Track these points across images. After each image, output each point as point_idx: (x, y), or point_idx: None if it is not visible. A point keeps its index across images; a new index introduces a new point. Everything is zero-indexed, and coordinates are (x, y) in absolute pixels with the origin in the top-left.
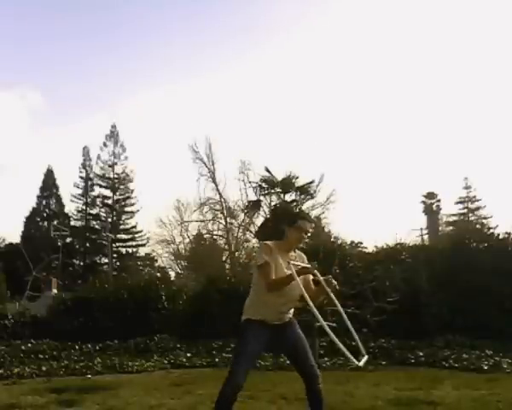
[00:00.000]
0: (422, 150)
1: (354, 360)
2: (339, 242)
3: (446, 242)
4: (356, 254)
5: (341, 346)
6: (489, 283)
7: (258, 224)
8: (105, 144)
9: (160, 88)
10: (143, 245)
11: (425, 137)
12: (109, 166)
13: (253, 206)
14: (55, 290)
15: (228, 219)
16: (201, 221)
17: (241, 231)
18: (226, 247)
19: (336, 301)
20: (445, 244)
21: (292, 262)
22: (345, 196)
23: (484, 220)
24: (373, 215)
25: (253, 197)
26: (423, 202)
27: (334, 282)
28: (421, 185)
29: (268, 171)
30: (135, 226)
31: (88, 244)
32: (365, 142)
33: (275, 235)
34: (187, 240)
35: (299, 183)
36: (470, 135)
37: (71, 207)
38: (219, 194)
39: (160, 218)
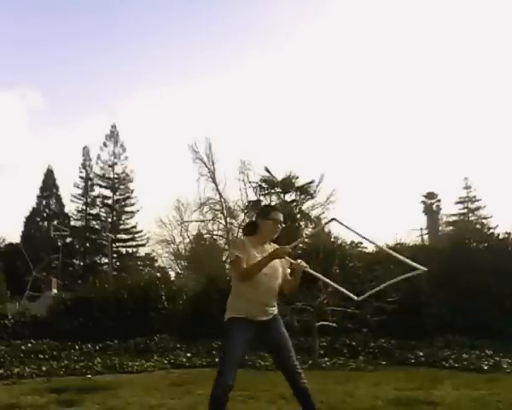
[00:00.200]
0: (422, 150)
1: (352, 295)
2: (339, 242)
3: (446, 242)
4: (356, 254)
5: (337, 286)
6: (489, 283)
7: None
8: (105, 144)
9: (160, 88)
10: (143, 245)
11: (425, 138)
12: (109, 166)
13: (253, 206)
14: (55, 290)
15: (228, 219)
16: (201, 221)
17: (241, 231)
18: (226, 247)
19: (316, 274)
20: (445, 244)
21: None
22: (345, 196)
23: (484, 220)
24: (373, 215)
25: (253, 197)
26: (423, 202)
27: (304, 264)
28: (421, 185)
29: (268, 171)
30: (135, 226)
31: (88, 244)
32: (365, 142)
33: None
34: (187, 240)
35: (299, 183)
36: (470, 135)
37: (71, 207)
38: (219, 194)
39: (160, 218)
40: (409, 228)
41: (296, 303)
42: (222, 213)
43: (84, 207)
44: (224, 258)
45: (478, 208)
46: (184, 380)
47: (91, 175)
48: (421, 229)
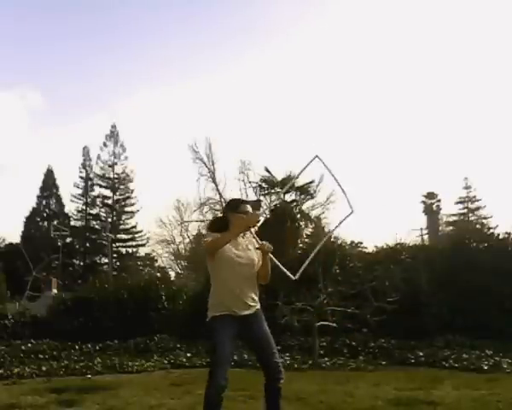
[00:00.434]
0: (422, 150)
1: (289, 274)
2: (339, 242)
3: (446, 242)
4: (356, 254)
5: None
6: (489, 283)
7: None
8: (105, 144)
9: (160, 88)
10: (143, 245)
11: (425, 138)
12: (109, 166)
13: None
14: (55, 290)
15: None
16: (201, 221)
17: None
18: None
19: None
20: (445, 244)
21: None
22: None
23: (484, 220)
24: (373, 215)
25: (253, 197)
26: (423, 202)
27: (270, 246)
28: (421, 185)
29: (268, 171)
30: (135, 226)
31: (88, 244)
32: (365, 142)
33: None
34: (187, 240)
35: (299, 183)
36: (470, 135)
37: (71, 207)
38: (219, 194)
39: (160, 218)
40: (409, 228)
41: (296, 303)
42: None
43: (84, 207)
44: None
45: (478, 208)
46: (184, 380)
47: (91, 175)
48: (421, 229)
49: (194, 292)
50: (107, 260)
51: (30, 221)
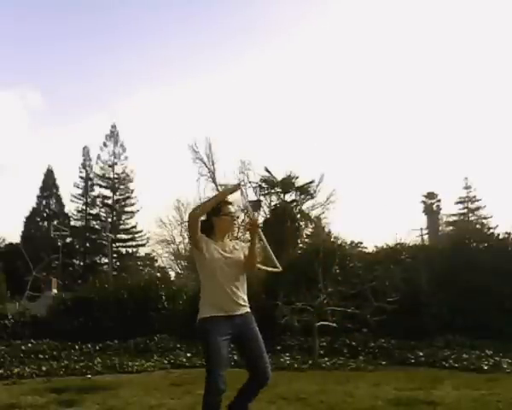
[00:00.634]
0: (422, 150)
1: (277, 264)
2: (339, 242)
3: (446, 242)
4: (356, 254)
5: (271, 253)
6: (489, 283)
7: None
8: (105, 144)
9: (160, 88)
10: (143, 245)
11: (425, 138)
12: (109, 166)
13: (254, 206)
14: (55, 290)
15: None
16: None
17: (241, 231)
18: None
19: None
20: (445, 244)
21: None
22: (345, 196)
23: (484, 220)
24: (373, 215)
25: (253, 197)
26: (423, 202)
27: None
28: (421, 185)
29: (268, 171)
30: (135, 226)
31: (88, 244)
32: (365, 142)
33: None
34: (187, 240)
35: (299, 183)
36: (470, 135)
37: (71, 207)
38: None
39: (160, 218)
40: (409, 228)
41: (296, 303)
42: None
43: (84, 207)
44: None
45: (478, 208)
46: (184, 380)
47: (91, 175)
48: (421, 229)
49: (194, 292)
50: (107, 260)
51: (30, 221)
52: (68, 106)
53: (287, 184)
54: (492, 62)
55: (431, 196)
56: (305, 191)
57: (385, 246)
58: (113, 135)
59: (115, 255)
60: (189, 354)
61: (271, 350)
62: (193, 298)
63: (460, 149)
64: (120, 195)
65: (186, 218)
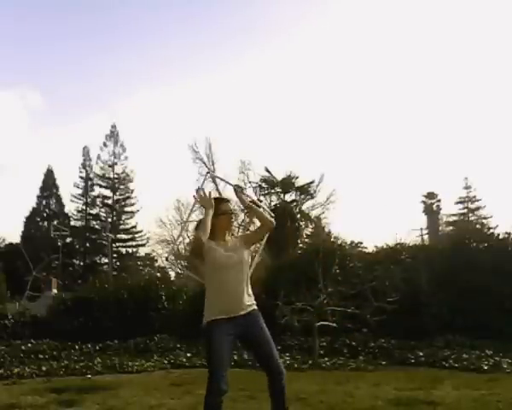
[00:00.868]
0: (422, 150)
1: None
2: (339, 242)
3: (446, 242)
4: (356, 254)
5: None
6: (489, 283)
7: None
8: (105, 144)
9: (160, 88)
10: (143, 245)
11: (425, 137)
12: (109, 166)
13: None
14: (55, 290)
15: None
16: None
17: (241, 231)
18: None
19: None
20: (445, 244)
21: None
22: (345, 196)
23: (484, 220)
24: (373, 215)
25: (253, 197)
26: (423, 202)
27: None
28: (421, 185)
29: (268, 171)
30: (135, 226)
31: (88, 244)
32: (365, 142)
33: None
34: (187, 240)
35: (299, 183)
36: (470, 135)
37: (71, 207)
38: (219, 194)
39: (160, 218)
40: (409, 228)
41: (296, 303)
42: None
43: (84, 207)
44: None
45: (478, 208)
46: (184, 380)
47: (91, 175)
48: (421, 229)
49: (194, 292)
50: (107, 260)
51: (30, 221)
52: (68, 106)
53: (287, 184)
54: (492, 62)
55: (431, 196)
56: (305, 191)
57: (385, 246)
58: (113, 135)
59: (115, 255)
60: (189, 354)
61: None
62: (193, 298)
63: (460, 149)
64: (120, 195)
65: (197, 233)
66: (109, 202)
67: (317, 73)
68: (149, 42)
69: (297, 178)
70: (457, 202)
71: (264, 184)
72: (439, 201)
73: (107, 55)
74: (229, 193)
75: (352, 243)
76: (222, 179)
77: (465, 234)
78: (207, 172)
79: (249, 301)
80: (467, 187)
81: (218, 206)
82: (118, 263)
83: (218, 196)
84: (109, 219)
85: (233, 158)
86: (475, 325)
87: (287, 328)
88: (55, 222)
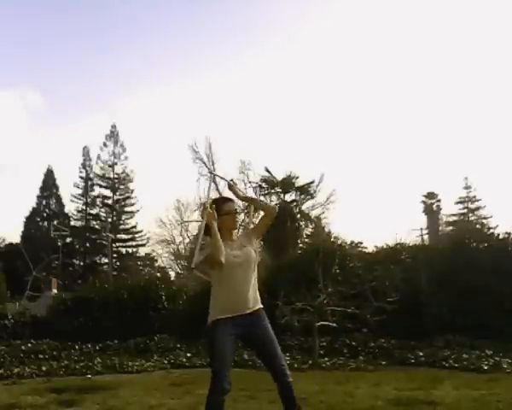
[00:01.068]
0: (422, 150)
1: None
2: (339, 242)
3: (446, 242)
4: (356, 254)
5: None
6: (489, 283)
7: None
8: (105, 144)
9: (160, 88)
10: (143, 245)
11: (425, 137)
12: (109, 166)
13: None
14: (55, 290)
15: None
16: (201, 221)
17: (241, 230)
18: None
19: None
20: (445, 244)
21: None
22: (345, 196)
23: (484, 220)
24: (373, 215)
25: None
26: (423, 202)
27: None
28: (421, 185)
29: (268, 171)
30: (135, 226)
31: (88, 244)
32: (365, 142)
33: None
34: (187, 240)
35: (299, 183)
36: (470, 135)
37: (71, 207)
38: (219, 194)
39: (160, 218)
40: (409, 228)
41: (296, 303)
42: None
43: (84, 207)
44: None
45: (478, 208)
46: (184, 380)
47: (91, 175)
48: (421, 229)
49: (195, 292)
50: (107, 260)
51: (30, 221)
52: (68, 106)
53: (287, 184)
54: (492, 62)
55: (431, 196)
56: (305, 191)
57: (385, 246)
58: (113, 135)
59: (115, 255)
60: (189, 354)
61: None
62: (193, 298)
63: (460, 149)
64: (120, 195)
65: (210, 258)
66: (109, 202)
67: (317, 73)
68: (149, 42)
69: (297, 178)
70: (457, 202)
71: (264, 184)
72: (439, 201)
73: (107, 55)
74: (229, 193)
75: (352, 243)
76: (220, 177)
77: (465, 234)
78: (210, 173)
79: (255, 300)
80: (467, 187)
81: (221, 206)
82: (118, 263)
83: (219, 196)
84: (109, 219)
85: (233, 158)
86: (475, 325)
87: (287, 328)
88: (55, 222)
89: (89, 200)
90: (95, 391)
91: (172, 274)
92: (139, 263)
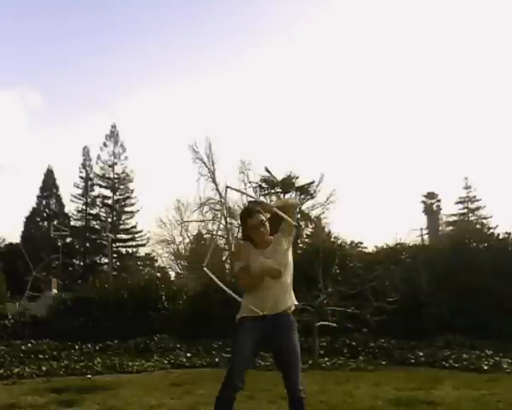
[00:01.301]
0: (422, 150)
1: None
2: (339, 242)
3: (446, 242)
4: (356, 254)
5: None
6: (489, 283)
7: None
8: (105, 144)
9: (160, 88)
10: (143, 245)
11: (425, 137)
12: (109, 166)
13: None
14: (55, 290)
15: (228, 219)
16: (201, 221)
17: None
18: (226, 247)
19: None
20: (445, 244)
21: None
22: (345, 196)
23: (484, 220)
24: (373, 215)
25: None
26: (423, 202)
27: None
28: (421, 185)
29: (268, 171)
30: (135, 226)
31: (88, 244)
32: (365, 142)
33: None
34: (187, 240)
35: (299, 183)
36: (470, 135)
37: (71, 207)
38: (219, 194)
39: (160, 218)
40: (409, 228)
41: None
42: (222, 213)
43: (84, 207)
44: (223, 258)
45: (478, 208)
46: (184, 380)
47: (91, 175)
48: (421, 229)
49: (195, 292)
50: (107, 260)
51: (30, 221)
52: (68, 106)
53: (287, 184)
54: (492, 62)
55: (431, 196)
56: (305, 191)
57: (385, 246)
58: (113, 135)
59: (115, 255)
60: (189, 354)
61: None
62: (193, 298)
63: (460, 149)
64: (120, 195)
65: (246, 284)
66: (109, 202)
67: (317, 73)
68: (149, 42)
69: (297, 178)
70: (457, 202)
71: (264, 184)
72: (439, 201)
73: (107, 55)
74: (230, 195)
75: (352, 243)
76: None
77: (465, 234)
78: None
79: (284, 303)
80: (467, 187)
81: (246, 221)
82: (118, 263)
83: (244, 208)
84: (109, 219)
85: (233, 158)
86: (475, 325)
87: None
88: (55, 222)
89: (89, 200)
90: (95, 391)
91: (172, 274)
92: (139, 263)
